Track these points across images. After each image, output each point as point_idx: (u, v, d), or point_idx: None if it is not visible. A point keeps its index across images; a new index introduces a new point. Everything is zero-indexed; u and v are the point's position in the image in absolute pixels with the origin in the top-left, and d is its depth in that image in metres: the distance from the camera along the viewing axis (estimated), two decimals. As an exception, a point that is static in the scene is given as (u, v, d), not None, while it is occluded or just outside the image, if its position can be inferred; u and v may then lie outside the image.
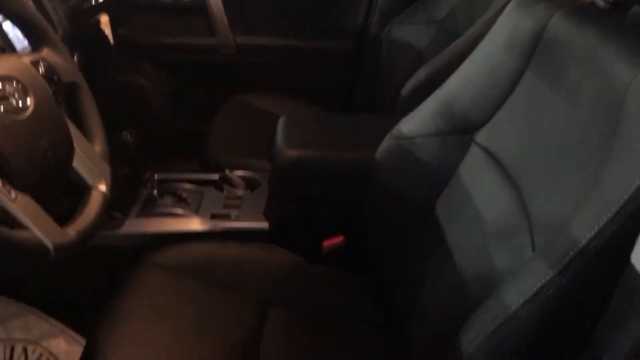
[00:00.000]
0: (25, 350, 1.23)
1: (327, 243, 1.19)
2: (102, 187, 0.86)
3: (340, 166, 1.14)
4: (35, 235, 0.69)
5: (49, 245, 0.70)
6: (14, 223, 0.68)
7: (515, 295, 0.59)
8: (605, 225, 0.54)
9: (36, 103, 0.75)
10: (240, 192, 1.32)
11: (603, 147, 0.62)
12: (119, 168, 1.05)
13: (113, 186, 0.92)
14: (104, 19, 1.64)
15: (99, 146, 0.89)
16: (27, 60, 0.79)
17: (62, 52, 0.88)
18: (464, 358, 0.61)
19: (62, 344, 1.25)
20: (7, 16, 0.84)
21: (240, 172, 1.36)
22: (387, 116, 1.20)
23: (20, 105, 0.73)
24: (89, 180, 0.85)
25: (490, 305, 0.62)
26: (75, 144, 0.83)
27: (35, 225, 0.69)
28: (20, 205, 0.69)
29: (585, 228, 0.55)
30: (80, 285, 1.24)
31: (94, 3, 1.54)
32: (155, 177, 1.29)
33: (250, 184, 1.35)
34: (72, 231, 0.75)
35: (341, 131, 1.23)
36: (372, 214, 1.09)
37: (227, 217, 1.24)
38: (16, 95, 0.72)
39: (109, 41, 1.63)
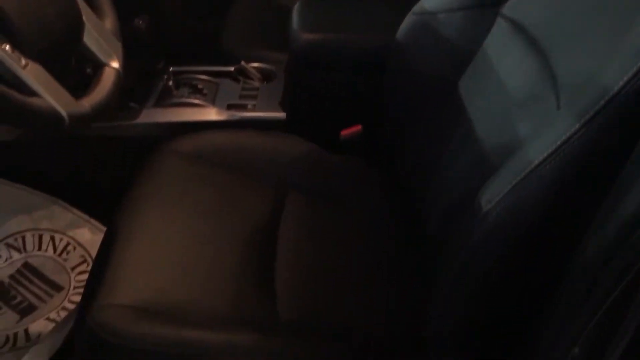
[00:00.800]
0: (52, 239, 1.27)
1: (345, 132, 1.17)
2: (115, 64, 0.84)
3: (359, 49, 1.10)
4: (49, 104, 0.68)
5: (64, 114, 0.69)
6: (27, 91, 0.67)
7: (539, 149, 0.56)
8: (638, 70, 0.51)
9: None
10: (256, 83, 1.29)
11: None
12: (133, 57, 1.03)
13: (128, 75, 0.90)
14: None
15: (109, 23, 0.86)
16: None
17: None
18: (480, 218, 0.59)
19: (86, 233, 1.28)
20: None
21: (255, 64, 1.33)
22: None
23: None
24: (101, 56, 0.83)
25: (511, 163, 0.60)
26: (85, 19, 0.81)
27: (49, 93, 0.68)
28: (31, 72, 0.67)
29: (617, 75, 0.52)
30: (100, 176, 1.25)
31: None
32: (171, 69, 1.26)
33: (266, 76, 1.32)
34: (86, 103, 0.74)
35: (361, 13, 1.18)
36: (392, 97, 1.05)
37: (243, 107, 1.22)
38: None
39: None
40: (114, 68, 0.83)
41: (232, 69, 1.32)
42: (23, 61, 0.66)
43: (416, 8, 0.98)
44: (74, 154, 1.18)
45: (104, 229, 1.27)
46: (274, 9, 1.58)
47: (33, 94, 0.67)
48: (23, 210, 1.27)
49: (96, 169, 1.23)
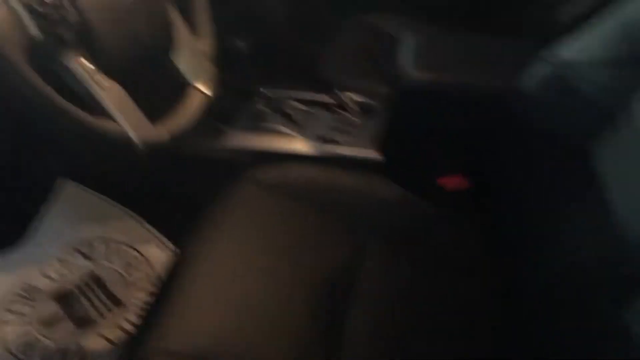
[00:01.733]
0: (121, 251, 1.23)
1: (445, 182, 1.05)
2: (203, 87, 0.77)
3: (471, 94, 0.98)
4: (122, 128, 0.61)
5: (137, 140, 0.62)
6: (99, 111, 0.61)
7: None
8: None
9: None
10: (352, 116, 1.20)
11: None
12: (227, 77, 0.97)
13: (220, 95, 0.84)
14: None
15: (204, 43, 0.80)
16: None
17: None
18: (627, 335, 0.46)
19: (155, 251, 1.23)
20: None
21: (354, 95, 1.24)
22: (534, 41, 1.01)
23: None
24: (190, 77, 0.76)
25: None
26: (177, 37, 0.74)
27: (123, 116, 0.62)
28: (110, 93, 0.61)
29: None
30: (178, 194, 1.20)
31: None
32: (264, 92, 1.20)
33: (364, 109, 1.22)
34: (164, 129, 0.67)
35: (477, 53, 1.06)
36: (507, 152, 0.92)
37: (335, 141, 1.13)
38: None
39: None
40: (201, 92, 0.76)
41: (328, 98, 1.23)
42: (103, 80, 0.60)
43: (549, 56, 0.84)
44: (153, 168, 1.13)
45: (171, 246, 1.22)
46: (380, 38, 1.49)
47: (106, 115, 0.61)
48: (96, 217, 1.24)
49: (174, 187, 1.18)
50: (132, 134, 0.62)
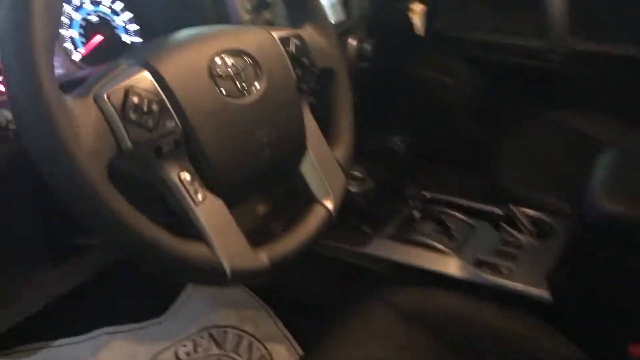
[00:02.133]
0: (250, 346, 1.16)
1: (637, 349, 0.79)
2: (329, 204, 0.66)
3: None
4: (211, 254, 0.53)
5: (227, 269, 0.53)
6: (192, 231, 0.53)
7: None
8: None
9: (268, 88, 0.59)
10: (523, 238, 0.99)
11: None
12: (380, 176, 0.87)
13: (369, 197, 0.73)
14: (418, 7, 1.46)
15: (340, 151, 0.70)
16: (276, 34, 0.64)
17: (327, 32, 0.71)
18: None
19: (283, 352, 1.14)
20: None
21: (529, 211, 1.03)
22: None
23: (246, 87, 0.57)
24: (315, 191, 0.66)
25: None
26: (308, 145, 0.65)
27: (218, 239, 0.53)
28: (206, 210, 0.53)
29: None
30: (311, 294, 1.10)
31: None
32: (420, 195, 1.06)
33: (540, 230, 1.00)
34: (265, 256, 0.57)
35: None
36: None
37: (496, 268, 0.94)
38: (243, 76, 0.57)
39: (415, 32, 1.45)
40: (326, 209, 0.66)
41: (498, 210, 1.05)
42: (200, 195, 0.53)
43: None
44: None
45: (299, 350, 1.12)
46: (575, 144, 1.26)
47: (198, 237, 0.53)
48: (232, 305, 1.20)
49: (308, 286, 1.09)
50: (223, 260, 0.53)
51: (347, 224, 1.11)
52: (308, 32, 0.68)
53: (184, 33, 0.59)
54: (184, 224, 0.53)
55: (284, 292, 1.14)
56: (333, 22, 1.06)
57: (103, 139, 0.46)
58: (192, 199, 0.53)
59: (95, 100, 0.47)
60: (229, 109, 0.55)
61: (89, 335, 1.15)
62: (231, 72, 0.56)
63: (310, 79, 0.66)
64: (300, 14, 0.71)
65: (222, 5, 0.87)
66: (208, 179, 0.54)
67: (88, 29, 0.83)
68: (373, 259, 1.00)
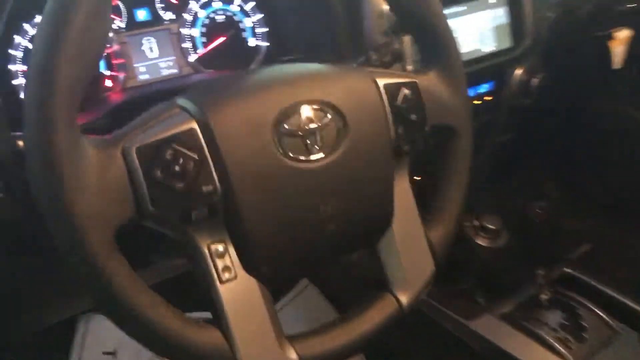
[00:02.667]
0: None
1: None
2: (403, 297, 0.53)
3: None
4: (227, 344, 0.44)
5: None
6: (211, 312, 0.45)
7: None
8: None
9: (350, 149, 0.48)
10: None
11: None
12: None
13: (498, 257, 0.59)
14: (622, 34, 1.20)
15: (436, 232, 0.56)
16: (382, 82, 0.52)
17: (455, 80, 0.56)
18: None
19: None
20: (409, 25, 0.58)
21: None
22: None
23: (319, 148, 0.47)
24: (390, 277, 0.54)
25: None
26: (395, 220, 0.53)
27: (237, 327, 0.44)
28: (231, 291, 0.45)
29: None
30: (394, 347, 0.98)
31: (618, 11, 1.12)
32: (556, 271, 0.86)
33: None
34: (294, 354, 0.47)
35: None
36: None
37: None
38: (320, 134, 0.46)
39: (608, 63, 1.20)
40: (397, 303, 0.53)
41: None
42: (229, 273, 0.45)
43: None
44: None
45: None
46: None
47: (214, 319, 0.45)
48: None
49: (396, 341, 0.97)
50: (238, 356, 0.45)
51: (459, 285, 0.96)
52: (429, 79, 0.55)
53: (262, 73, 0.50)
54: (204, 300, 0.45)
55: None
56: (495, 50, 0.89)
57: (119, 198, 0.40)
58: (218, 276, 0.44)
59: (123, 153, 0.40)
60: (290, 173, 0.45)
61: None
62: (305, 128, 0.46)
63: (416, 139, 0.53)
64: (426, 51, 0.58)
65: (357, 21, 0.76)
66: (245, 255, 0.45)
67: (211, 29, 0.78)
68: (477, 338, 0.84)
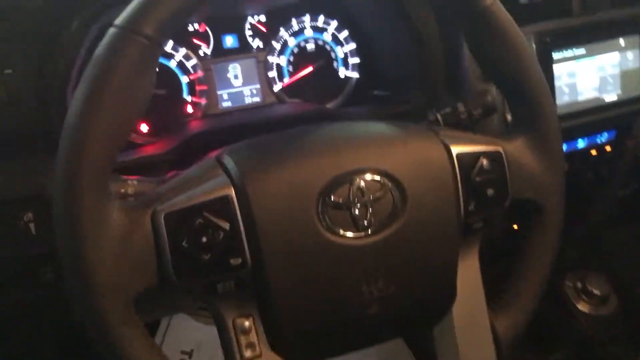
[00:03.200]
0: None
1: None
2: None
3: None
4: None
5: None
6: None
7: None
8: None
9: (407, 225, 0.42)
10: None
11: None
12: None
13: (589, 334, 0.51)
14: None
15: (506, 320, 0.49)
16: (456, 150, 0.45)
17: (548, 153, 0.48)
18: None
19: None
20: (496, 78, 0.50)
21: None
22: None
23: (369, 222, 0.41)
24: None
25: None
26: (456, 305, 0.47)
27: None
28: None
29: None
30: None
31: None
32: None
33: None
34: None
35: None
36: None
37: None
38: (372, 206, 0.41)
39: None
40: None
41: None
42: (252, 350, 0.41)
43: None
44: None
45: None
46: None
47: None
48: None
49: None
50: None
51: (551, 355, 0.86)
52: (516, 147, 0.48)
53: (317, 134, 0.45)
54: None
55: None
56: (620, 99, 0.77)
57: (141, 266, 0.37)
58: (240, 354, 0.41)
59: (152, 218, 0.38)
60: (331, 249, 0.40)
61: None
62: (354, 200, 0.41)
63: (492, 215, 0.46)
64: (516, 112, 0.50)
65: (455, 61, 0.69)
66: (272, 333, 0.42)
67: (299, 58, 0.75)
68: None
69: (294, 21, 0.74)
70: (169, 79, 0.69)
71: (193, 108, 0.71)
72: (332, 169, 0.41)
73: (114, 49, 0.36)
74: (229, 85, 0.72)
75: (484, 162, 0.45)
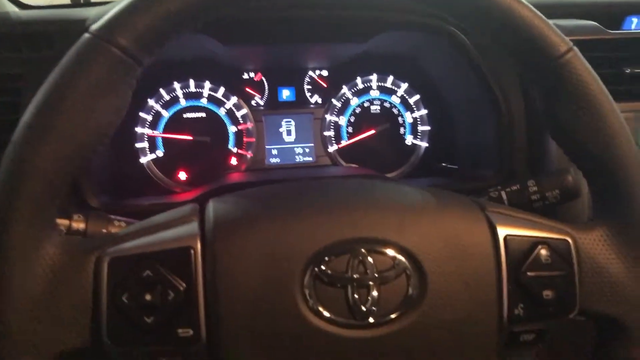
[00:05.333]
0: None
1: None
2: None
3: None
4: None
5: None
6: None
7: None
8: None
9: (419, 323, 0.31)
10: None
11: None
12: None
13: None
14: None
15: None
16: (505, 230, 0.34)
17: (636, 252, 0.36)
18: None
19: None
20: (582, 164, 0.38)
21: None
22: None
23: (365, 309, 0.31)
24: None
25: None
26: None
27: None
28: None
29: None
30: None
31: None
32: None
33: None
34: None
35: None
36: None
37: None
38: (376, 289, 0.31)
39: None
40: None
41: None
42: None
43: None
44: None
45: None
46: None
47: None
48: None
49: None
50: None
51: None
52: (592, 239, 0.36)
53: (329, 189, 0.36)
54: None
55: None
56: None
57: (69, 321, 0.30)
58: None
59: (97, 262, 0.31)
60: (314, 337, 0.31)
61: None
62: (353, 277, 0.31)
63: (549, 327, 0.34)
64: (598, 197, 0.38)
65: (541, 141, 0.58)
66: None
67: (362, 119, 0.68)
68: None
69: (358, 79, 0.68)
70: (216, 127, 0.65)
71: (238, 160, 0.65)
72: (330, 233, 0.32)
73: (81, 57, 0.30)
74: (280, 140, 0.67)
75: (543, 252, 0.34)
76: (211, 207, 0.34)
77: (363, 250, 0.32)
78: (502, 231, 0.34)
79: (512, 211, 0.37)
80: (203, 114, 0.64)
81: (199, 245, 0.31)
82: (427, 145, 0.69)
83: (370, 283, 0.31)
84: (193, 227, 0.32)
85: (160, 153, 0.63)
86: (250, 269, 0.31)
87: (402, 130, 0.69)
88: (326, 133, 0.67)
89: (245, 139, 0.66)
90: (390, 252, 0.32)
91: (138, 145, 0.63)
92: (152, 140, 0.63)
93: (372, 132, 0.68)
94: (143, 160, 0.63)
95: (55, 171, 0.30)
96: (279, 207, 0.34)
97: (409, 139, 0.69)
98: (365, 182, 0.38)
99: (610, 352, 0.36)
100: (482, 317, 0.32)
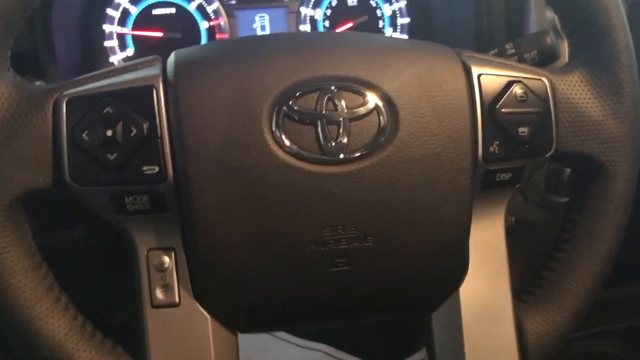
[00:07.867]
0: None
1: None
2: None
3: None
4: None
5: None
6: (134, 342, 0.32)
7: None
8: None
9: (390, 157, 0.31)
10: None
11: None
12: None
13: None
14: None
15: (537, 317, 0.36)
16: (479, 70, 0.33)
17: (616, 91, 0.35)
18: None
19: None
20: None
21: None
22: None
23: (333, 144, 0.31)
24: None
25: None
26: (469, 285, 0.34)
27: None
28: (165, 319, 0.32)
29: None
30: None
31: None
32: None
33: None
34: None
35: None
36: None
37: None
38: (346, 126, 0.30)
39: None
40: None
41: None
42: (164, 294, 0.31)
43: None
44: None
45: None
46: None
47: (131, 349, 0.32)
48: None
49: None
50: None
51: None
52: (568, 81, 0.35)
53: (300, 35, 0.35)
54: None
55: None
56: None
57: (29, 161, 0.29)
58: (151, 296, 0.31)
59: (55, 103, 0.30)
60: (283, 172, 0.30)
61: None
62: (324, 113, 0.30)
63: (525, 165, 0.34)
64: (575, 42, 0.37)
65: (520, 13, 0.57)
66: (199, 277, 0.32)
67: (338, 12, 0.66)
68: None
69: (334, -32, 0.65)
70: (186, 23, 0.62)
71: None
72: (300, 70, 0.31)
73: None
74: (253, 36, 0.65)
75: (518, 90, 0.33)
76: (173, 53, 0.32)
77: (333, 87, 0.31)
78: (476, 70, 0.33)
79: (488, 56, 0.36)
80: (173, 10, 0.62)
81: (161, 85, 0.30)
82: (407, 37, 0.67)
83: (340, 119, 0.30)
84: (155, 69, 0.31)
85: (130, 52, 0.62)
86: (215, 105, 0.30)
87: (380, 23, 0.67)
88: (302, 27, 0.65)
89: (217, 35, 0.63)
90: (361, 89, 0.31)
91: (107, 43, 0.61)
92: (121, 38, 0.61)
93: (350, 25, 0.66)
94: (113, 59, 0.61)
95: (5, 4, 0.28)
96: (247, 46, 0.33)
97: (389, 32, 0.67)
98: (348, 33, 0.37)
99: (587, 194, 0.36)
100: (457, 154, 0.32)
